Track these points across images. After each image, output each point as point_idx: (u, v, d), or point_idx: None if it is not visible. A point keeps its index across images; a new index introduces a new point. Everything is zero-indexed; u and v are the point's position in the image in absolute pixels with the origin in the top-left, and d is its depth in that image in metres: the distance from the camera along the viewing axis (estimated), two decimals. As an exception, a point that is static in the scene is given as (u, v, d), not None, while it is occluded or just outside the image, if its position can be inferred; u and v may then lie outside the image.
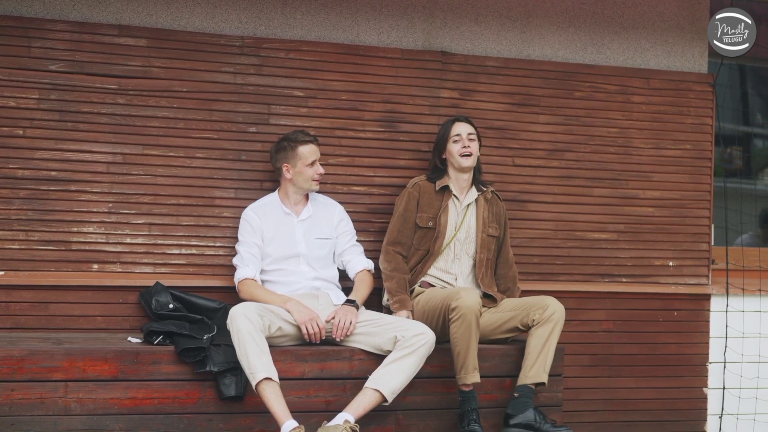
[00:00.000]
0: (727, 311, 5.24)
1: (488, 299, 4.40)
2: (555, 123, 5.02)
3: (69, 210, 4.35)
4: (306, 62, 4.66)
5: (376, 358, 4.06)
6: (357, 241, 4.51)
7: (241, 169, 4.57)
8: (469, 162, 4.46)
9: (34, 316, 4.28)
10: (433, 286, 4.43)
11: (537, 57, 5.04)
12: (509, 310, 4.35)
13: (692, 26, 5.25)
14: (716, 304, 5.25)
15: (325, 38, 4.74)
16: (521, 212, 4.92)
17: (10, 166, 4.29)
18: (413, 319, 4.26)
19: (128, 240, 4.42)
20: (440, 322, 4.18)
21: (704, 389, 5.22)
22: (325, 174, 4.44)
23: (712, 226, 5.27)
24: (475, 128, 4.54)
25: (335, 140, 4.69)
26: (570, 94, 5.04)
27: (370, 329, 4.12)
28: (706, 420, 5.22)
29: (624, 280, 5.11)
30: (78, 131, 4.36)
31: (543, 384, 4.20)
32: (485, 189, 4.55)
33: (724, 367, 5.23)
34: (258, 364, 3.80)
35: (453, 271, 4.46)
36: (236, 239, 4.39)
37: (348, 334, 4.12)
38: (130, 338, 4.11)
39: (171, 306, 4.22)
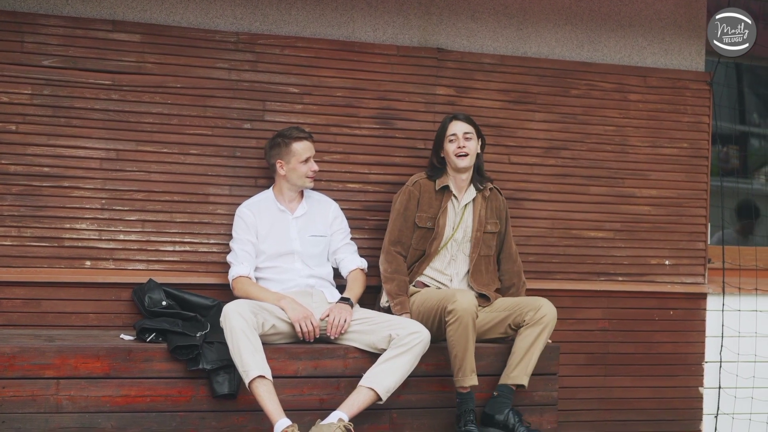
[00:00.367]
0: (723, 310, 5.23)
1: (482, 298, 4.37)
2: (551, 121, 5.00)
3: (62, 206, 4.33)
4: (301, 59, 4.64)
5: (371, 357, 4.04)
6: (351, 239, 4.49)
7: (236, 165, 4.55)
8: (465, 162, 4.39)
9: (25, 313, 4.26)
10: (428, 286, 4.41)
11: (533, 54, 5.02)
12: (503, 309, 4.33)
13: (689, 24, 5.23)
14: (712, 303, 5.23)
15: (321, 35, 4.71)
16: (517, 210, 4.89)
17: (3, 161, 4.26)
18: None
19: (121, 236, 4.40)
20: (436, 323, 4.16)
21: (700, 388, 5.21)
22: (319, 171, 4.42)
23: (709, 224, 5.26)
24: (474, 125, 4.45)
25: (330, 137, 4.67)
26: (566, 92, 5.03)
27: (364, 327, 4.10)
28: (701, 419, 5.21)
29: (620, 278, 5.09)
30: (71, 127, 4.34)
31: (523, 387, 4.18)
32: (483, 187, 4.49)
33: (720, 366, 5.22)
34: (251, 362, 3.78)
35: (448, 272, 4.43)
36: (230, 236, 4.36)
37: (342, 332, 4.10)
38: (122, 335, 4.09)
39: (164, 303, 4.19)
